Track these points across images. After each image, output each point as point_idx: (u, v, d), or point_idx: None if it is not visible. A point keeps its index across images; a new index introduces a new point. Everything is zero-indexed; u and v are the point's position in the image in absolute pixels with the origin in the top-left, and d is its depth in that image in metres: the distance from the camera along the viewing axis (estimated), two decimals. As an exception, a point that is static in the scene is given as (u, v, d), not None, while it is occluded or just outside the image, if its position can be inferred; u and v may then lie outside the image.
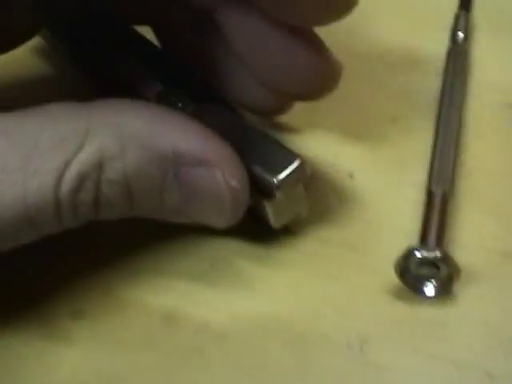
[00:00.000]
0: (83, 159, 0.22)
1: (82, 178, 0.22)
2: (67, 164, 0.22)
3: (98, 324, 0.27)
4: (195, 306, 0.27)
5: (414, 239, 0.27)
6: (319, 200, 0.29)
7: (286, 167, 0.25)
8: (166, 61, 0.30)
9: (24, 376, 0.25)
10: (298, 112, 0.31)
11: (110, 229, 0.28)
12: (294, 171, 0.25)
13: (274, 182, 0.25)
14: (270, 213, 0.26)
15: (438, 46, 0.33)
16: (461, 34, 0.32)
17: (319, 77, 0.27)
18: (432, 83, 0.32)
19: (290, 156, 0.25)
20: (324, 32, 0.34)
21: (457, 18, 0.33)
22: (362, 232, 0.28)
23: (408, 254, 0.25)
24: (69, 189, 0.22)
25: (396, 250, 0.26)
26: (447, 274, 0.25)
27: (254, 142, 0.26)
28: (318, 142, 0.30)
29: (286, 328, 0.26)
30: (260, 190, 0.25)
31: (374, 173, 0.29)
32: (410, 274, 0.26)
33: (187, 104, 0.28)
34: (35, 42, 0.34)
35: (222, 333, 0.26)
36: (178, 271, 0.27)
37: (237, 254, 0.28)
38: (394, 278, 0.26)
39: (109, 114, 0.23)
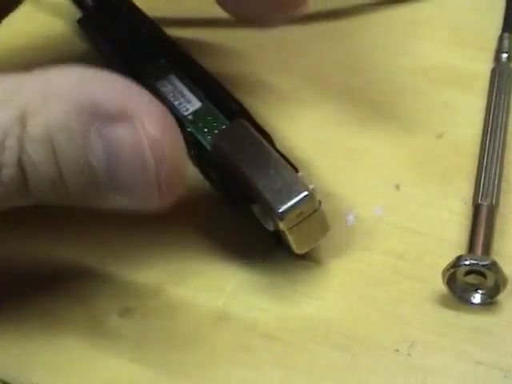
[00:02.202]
0: (5, 114, 0.22)
1: (4, 134, 0.22)
2: None
3: (147, 322, 0.27)
4: (245, 307, 0.27)
5: (460, 250, 0.27)
6: (366, 208, 0.29)
7: (291, 199, 0.26)
8: (204, 75, 0.31)
9: (72, 371, 0.26)
10: (344, 122, 0.32)
11: (159, 229, 0.29)
12: (298, 203, 0.26)
13: (277, 212, 0.26)
14: (290, 240, 0.27)
15: (479, 66, 0.34)
16: (504, 55, 0.33)
17: None
18: (475, 101, 0.32)
19: (299, 187, 0.26)
20: (371, 48, 0.35)
21: (501, 39, 0.34)
22: (409, 241, 0.28)
23: (456, 262, 0.26)
24: None
25: (442, 260, 0.27)
26: (494, 283, 0.26)
27: (271, 167, 0.27)
28: (364, 153, 0.31)
29: (334, 330, 0.26)
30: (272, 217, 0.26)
31: (420, 185, 0.30)
32: (458, 283, 0.26)
33: (220, 122, 0.30)
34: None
35: (270, 333, 0.26)
36: (227, 273, 0.28)
37: (287, 261, 0.28)
38: (440, 286, 0.26)
39: (42, 73, 0.23)
